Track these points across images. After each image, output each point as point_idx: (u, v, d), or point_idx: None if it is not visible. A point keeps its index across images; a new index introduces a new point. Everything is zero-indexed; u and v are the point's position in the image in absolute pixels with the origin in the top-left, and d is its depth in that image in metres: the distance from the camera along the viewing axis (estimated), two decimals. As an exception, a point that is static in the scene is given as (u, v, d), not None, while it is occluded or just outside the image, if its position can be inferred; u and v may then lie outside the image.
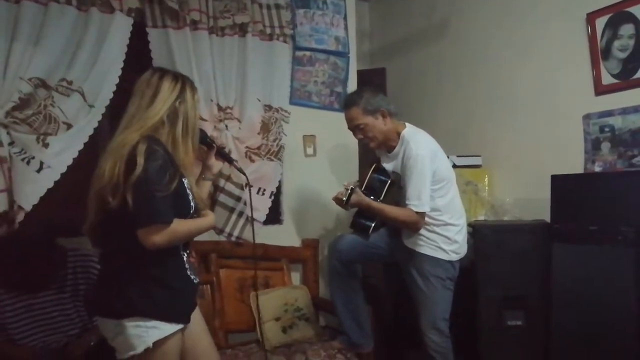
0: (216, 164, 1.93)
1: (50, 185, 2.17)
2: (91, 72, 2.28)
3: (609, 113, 2.46)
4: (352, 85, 3.19)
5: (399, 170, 2.37)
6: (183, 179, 1.60)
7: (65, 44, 2.25)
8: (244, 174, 2.03)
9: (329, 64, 3.14)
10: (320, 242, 3.03)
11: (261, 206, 2.81)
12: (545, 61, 2.79)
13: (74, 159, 2.23)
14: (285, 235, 2.98)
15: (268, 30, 2.83)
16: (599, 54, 2.50)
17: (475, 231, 2.52)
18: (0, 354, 1.98)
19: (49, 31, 2.18)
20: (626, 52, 2.41)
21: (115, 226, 1.52)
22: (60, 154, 2.19)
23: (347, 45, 3.21)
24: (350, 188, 2.26)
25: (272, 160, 2.84)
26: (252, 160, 2.77)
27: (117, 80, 2.35)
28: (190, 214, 1.63)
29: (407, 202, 2.25)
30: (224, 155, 1.98)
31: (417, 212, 2.24)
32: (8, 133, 2.09)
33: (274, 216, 2.95)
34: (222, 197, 2.70)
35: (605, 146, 2.48)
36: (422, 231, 2.32)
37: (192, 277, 1.66)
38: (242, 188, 2.71)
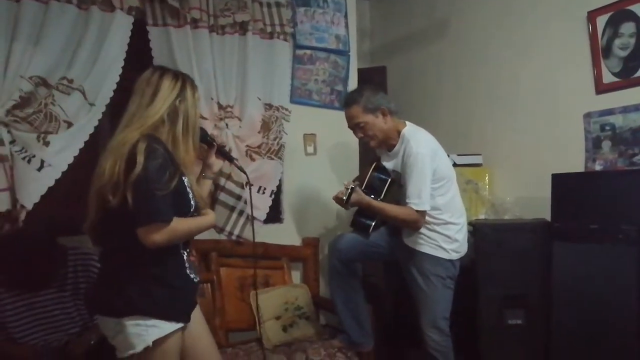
0: (216, 163, 1.93)
1: (51, 183, 2.17)
2: (92, 71, 2.28)
3: (610, 112, 2.46)
4: (352, 84, 3.19)
5: (399, 169, 2.37)
6: (183, 178, 1.60)
7: (66, 42, 2.25)
8: (245, 172, 2.03)
9: (329, 63, 3.14)
10: (321, 241, 3.03)
11: (261, 205, 2.81)
12: (545, 60, 2.78)
13: (74, 158, 2.23)
14: (285, 234, 2.98)
15: (268, 29, 2.83)
16: (600, 52, 2.50)
17: (476, 230, 2.52)
18: (1, 352, 1.99)
19: (49, 30, 2.18)
20: (627, 51, 2.40)
21: (115, 225, 1.52)
22: (61, 152, 2.19)
23: (348, 43, 3.21)
24: (350, 187, 2.26)
25: (272, 159, 2.84)
26: (253, 159, 2.77)
27: (117, 79, 2.35)
28: (191, 212, 1.63)
29: (407, 200, 2.25)
30: (224, 153, 1.98)
31: (417, 211, 2.24)
32: (9, 132, 2.09)
33: (274, 215, 2.95)
34: (222, 196, 2.70)
35: (606, 145, 2.48)
36: (423, 230, 2.32)
37: (192, 276, 1.66)
38: (242, 187, 2.71)
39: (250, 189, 2.12)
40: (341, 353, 2.50)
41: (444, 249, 2.33)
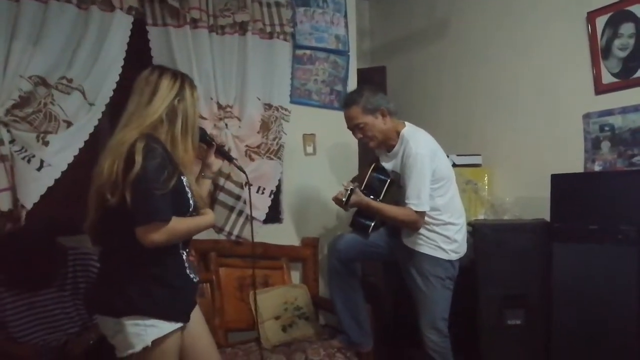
0: (216, 162, 1.93)
1: (51, 183, 2.16)
2: (91, 71, 2.28)
3: (609, 112, 2.46)
4: (352, 84, 3.19)
5: (398, 170, 2.37)
6: (182, 177, 1.60)
7: (66, 42, 2.25)
8: (244, 172, 2.03)
9: (329, 63, 3.14)
10: (320, 241, 3.03)
11: (261, 205, 2.81)
12: (545, 60, 2.78)
13: (74, 157, 2.23)
14: (285, 234, 2.98)
15: (268, 29, 2.83)
16: (599, 53, 2.50)
17: (475, 230, 2.52)
18: (0, 351, 1.99)
19: (49, 29, 2.18)
20: (626, 51, 2.41)
21: (114, 224, 1.52)
22: (61, 152, 2.19)
23: (347, 43, 3.21)
24: (349, 189, 2.26)
25: (271, 159, 2.84)
26: (252, 159, 2.77)
27: (117, 78, 2.35)
28: (190, 212, 1.63)
29: (406, 201, 2.25)
30: (223, 153, 1.98)
31: (416, 212, 2.24)
32: (8, 131, 2.09)
33: (273, 215, 2.95)
34: (221, 196, 2.69)
35: (605, 145, 2.48)
36: (422, 230, 2.32)
37: (192, 275, 1.66)
38: (241, 187, 2.71)
39: (249, 188, 2.12)
40: (340, 353, 2.50)
41: (443, 249, 2.33)
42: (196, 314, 1.74)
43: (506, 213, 2.77)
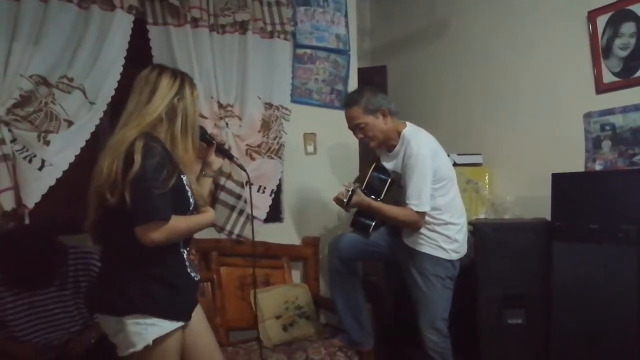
0: (216, 161, 1.93)
1: (52, 183, 2.17)
2: (92, 70, 2.28)
3: (610, 111, 2.46)
4: (352, 83, 3.19)
5: (399, 170, 2.37)
6: (182, 176, 1.60)
7: (66, 41, 2.25)
8: (244, 170, 2.03)
9: (329, 62, 3.14)
10: (321, 240, 3.02)
11: (262, 204, 2.81)
12: (545, 59, 2.78)
13: (76, 157, 2.23)
14: (285, 233, 2.98)
15: (269, 28, 2.83)
16: (600, 52, 2.50)
17: (476, 229, 2.52)
18: (1, 350, 1.99)
19: (49, 28, 2.18)
20: (627, 51, 2.40)
21: (114, 223, 1.52)
22: (62, 151, 2.19)
23: (348, 43, 3.21)
24: (351, 189, 2.26)
25: (272, 158, 2.84)
26: (253, 158, 2.77)
27: (118, 77, 2.35)
28: (190, 210, 1.62)
29: (407, 201, 2.25)
30: (224, 151, 1.97)
31: (417, 212, 2.24)
32: (10, 130, 2.09)
33: (274, 214, 2.95)
34: (222, 195, 2.70)
35: (606, 144, 2.48)
36: (423, 230, 2.32)
37: (193, 274, 1.65)
38: (242, 186, 2.71)
39: (250, 188, 2.12)
40: (341, 352, 2.50)
41: (444, 249, 2.33)
42: (198, 313, 1.74)
43: (507, 212, 2.77)
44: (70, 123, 2.22)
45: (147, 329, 1.51)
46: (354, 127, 2.39)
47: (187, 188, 1.62)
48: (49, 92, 2.17)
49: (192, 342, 1.70)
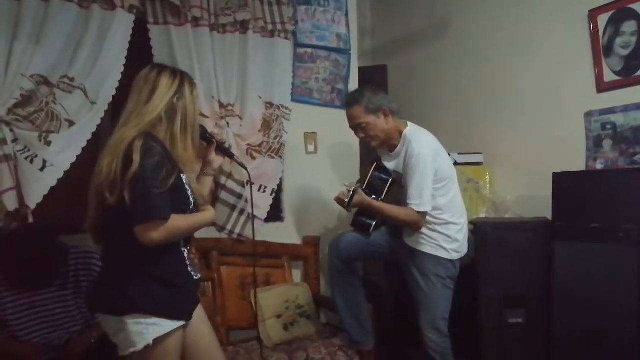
0: (216, 159, 1.93)
1: (54, 183, 2.17)
2: (93, 69, 2.28)
3: (611, 110, 2.45)
4: (353, 83, 3.19)
5: (400, 170, 2.37)
6: (181, 175, 1.60)
7: (67, 41, 2.25)
8: (245, 168, 2.02)
9: (330, 61, 3.14)
10: (322, 240, 3.02)
11: (262, 204, 2.81)
12: (546, 58, 2.78)
13: (77, 157, 2.23)
14: (286, 233, 2.98)
15: (269, 27, 2.83)
16: (601, 51, 2.49)
17: (477, 229, 2.52)
18: (2, 350, 1.99)
19: (50, 28, 2.18)
20: (628, 49, 2.40)
21: (114, 223, 1.52)
22: (63, 152, 2.19)
23: (349, 42, 3.21)
24: (352, 189, 2.26)
25: (273, 157, 2.84)
26: (254, 158, 2.77)
27: (119, 77, 2.35)
28: (190, 209, 1.62)
29: (408, 201, 2.25)
30: (224, 150, 1.97)
31: (418, 212, 2.24)
32: (11, 130, 2.09)
33: (275, 214, 2.95)
34: (223, 195, 2.70)
35: (607, 144, 2.47)
36: (424, 230, 2.32)
37: (193, 273, 1.65)
38: (243, 185, 2.71)
39: (251, 187, 2.12)
40: (342, 352, 2.50)
41: (445, 248, 2.33)
42: (199, 313, 1.74)
43: (507, 212, 2.76)
44: (71, 123, 2.22)
45: (147, 329, 1.51)
46: (355, 126, 2.39)
47: (187, 187, 1.62)
48: (50, 92, 2.17)
49: (193, 341, 1.70)
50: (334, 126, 3.00)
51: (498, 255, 2.46)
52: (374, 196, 2.42)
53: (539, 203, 2.56)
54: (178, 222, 1.54)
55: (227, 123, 2.67)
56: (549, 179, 2.41)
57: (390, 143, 2.41)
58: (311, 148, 3.11)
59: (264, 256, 2.78)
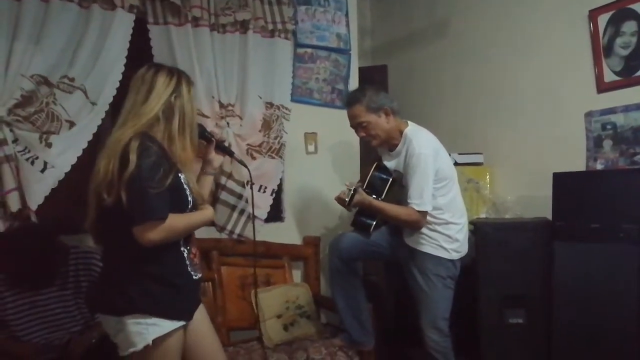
0: (216, 158, 1.91)
1: (55, 184, 2.17)
2: (93, 70, 2.28)
3: (611, 110, 2.45)
4: (353, 83, 3.19)
5: (401, 169, 2.37)
6: (179, 175, 1.59)
7: (67, 41, 2.25)
8: (246, 166, 2.01)
9: (330, 61, 3.14)
10: (322, 240, 3.02)
11: (262, 204, 2.81)
12: (547, 59, 2.78)
13: (78, 158, 2.22)
14: (286, 233, 2.98)
15: (270, 27, 2.82)
16: (601, 51, 2.49)
17: (477, 229, 2.52)
18: (2, 350, 1.99)
19: (50, 28, 2.18)
20: (628, 50, 2.40)
21: (112, 223, 1.52)
22: (64, 153, 2.19)
23: (349, 42, 3.21)
24: (353, 189, 2.26)
25: (273, 157, 2.84)
26: (254, 158, 2.77)
27: (120, 77, 2.35)
28: (189, 209, 1.62)
29: (408, 200, 2.25)
30: (223, 148, 1.96)
31: (418, 211, 2.24)
32: (11, 131, 2.09)
33: (275, 214, 2.95)
34: (223, 195, 2.69)
35: (607, 144, 2.47)
36: (424, 230, 2.32)
37: (193, 273, 1.65)
38: (243, 186, 2.71)
39: (251, 184, 2.11)
40: (342, 352, 2.50)
41: (445, 248, 2.33)
42: (201, 313, 1.73)
43: (508, 212, 2.76)
44: (71, 124, 2.22)
45: (147, 329, 1.51)
46: (356, 125, 2.39)
47: (185, 186, 1.62)
48: (50, 93, 2.17)
49: (194, 342, 1.69)
50: (334, 126, 3.00)
51: (498, 255, 2.46)
52: (374, 196, 2.41)
53: (539, 203, 2.56)
54: (176, 221, 1.54)
55: (227, 123, 2.67)
56: (549, 179, 2.41)
57: (391, 142, 2.41)
58: (311, 148, 3.11)
59: (264, 256, 2.78)
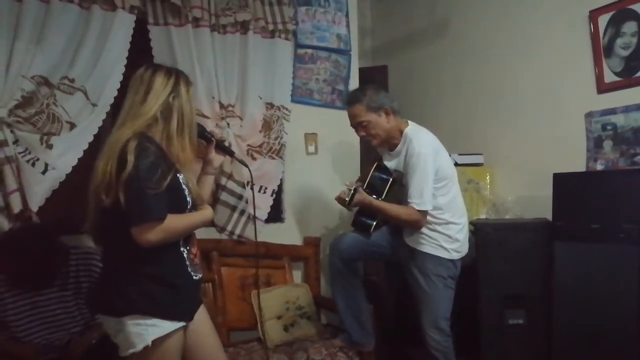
0: (217, 158, 1.91)
1: (56, 186, 2.18)
2: (94, 71, 2.29)
3: (612, 111, 2.45)
4: (353, 83, 3.19)
5: (401, 169, 2.37)
6: (178, 175, 1.59)
7: (67, 41, 2.25)
8: (246, 165, 2.01)
9: (330, 62, 3.14)
10: (322, 241, 3.03)
11: (263, 204, 2.81)
12: (547, 59, 2.78)
13: (78, 160, 2.23)
14: (286, 234, 2.98)
15: (270, 27, 2.83)
16: (602, 51, 2.49)
17: (477, 230, 2.52)
18: (3, 351, 1.99)
19: (51, 29, 2.18)
20: (629, 50, 2.40)
21: (112, 224, 1.52)
22: (65, 155, 2.20)
23: (349, 42, 3.21)
24: (353, 188, 2.26)
25: (273, 158, 2.84)
26: (254, 158, 2.77)
27: (120, 78, 2.35)
28: (188, 209, 1.62)
29: (409, 200, 2.25)
30: (223, 148, 1.96)
31: (418, 211, 2.24)
32: (12, 132, 2.09)
33: (275, 214, 2.95)
34: (223, 196, 2.69)
35: (608, 144, 2.47)
36: (424, 230, 2.32)
37: (193, 273, 1.65)
38: (243, 186, 2.71)
39: (252, 184, 2.12)
40: (342, 352, 2.50)
41: (445, 248, 2.33)
42: (202, 314, 1.73)
43: (508, 212, 2.76)
44: (72, 125, 2.22)
45: (147, 330, 1.50)
46: (356, 125, 2.39)
47: (184, 187, 1.61)
48: (51, 94, 2.17)
49: (195, 342, 1.69)
50: (334, 127, 3.00)
51: (498, 255, 2.46)
52: (374, 196, 2.41)
53: (539, 204, 2.56)
54: (174, 222, 1.53)
55: (228, 124, 2.67)
56: (550, 179, 2.41)
57: (391, 142, 2.41)
58: (311, 149, 3.11)
59: (265, 257, 2.78)
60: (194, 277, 1.65)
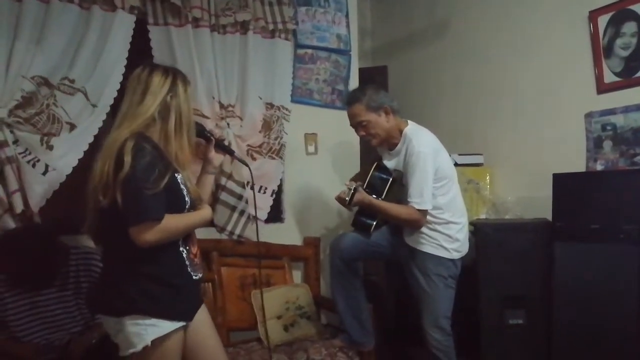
0: (217, 157, 1.90)
1: (56, 187, 2.17)
2: (94, 71, 2.28)
3: (611, 111, 2.45)
4: (353, 83, 3.19)
5: (401, 168, 2.37)
6: (176, 175, 1.59)
7: (67, 42, 2.25)
8: (246, 164, 2.01)
9: (330, 62, 3.14)
10: (322, 241, 3.03)
11: (263, 204, 2.81)
12: (547, 59, 2.78)
13: (79, 160, 2.22)
14: (286, 234, 2.98)
15: (270, 27, 2.82)
16: (601, 52, 2.49)
17: (477, 230, 2.52)
18: (3, 351, 1.99)
19: (51, 29, 2.18)
20: (628, 50, 2.40)
21: (110, 224, 1.52)
22: (65, 155, 2.19)
23: (349, 43, 3.21)
24: (353, 188, 2.26)
25: (273, 158, 2.84)
26: (254, 159, 2.77)
27: (120, 79, 2.34)
28: (187, 209, 1.62)
29: (409, 199, 2.25)
30: (223, 147, 1.95)
31: (419, 210, 2.24)
32: (12, 132, 2.09)
33: (275, 214, 2.95)
34: (223, 196, 2.69)
35: (607, 144, 2.48)
36: (424, 229, 2.32)
37: (193, 273, 1.64)
38: (243, 186, 2.71)
39: (253, 187, 2.11)
40: (342, 352, 2.50)
41: (446, 248, 2.33)
42: (202, 313, 1.73)
43: (508, 212, 2.77)
44: (72, 126, 2.22)
45: (146, 330, 1.50)
46: (356, 124, 2.39)
47: (182, 187, 1.61)
48: (51, 94, 2.17)
49: (195, 342, 1.69)
50: (334, 127, 3.01)
51: (498, 256, 2.46)
52: (374, 195, 2.42)
53: (539, 204, 2.57)
54: (172, 222, 1.53)
55: (228, 124, 2.67)
56: (549, 179, 2.41)
57: (391, 141, 2.41)
58: (311, 149, 3.11)
59: (265, 257, 2.78)
60: (194, 277, 1.65)
